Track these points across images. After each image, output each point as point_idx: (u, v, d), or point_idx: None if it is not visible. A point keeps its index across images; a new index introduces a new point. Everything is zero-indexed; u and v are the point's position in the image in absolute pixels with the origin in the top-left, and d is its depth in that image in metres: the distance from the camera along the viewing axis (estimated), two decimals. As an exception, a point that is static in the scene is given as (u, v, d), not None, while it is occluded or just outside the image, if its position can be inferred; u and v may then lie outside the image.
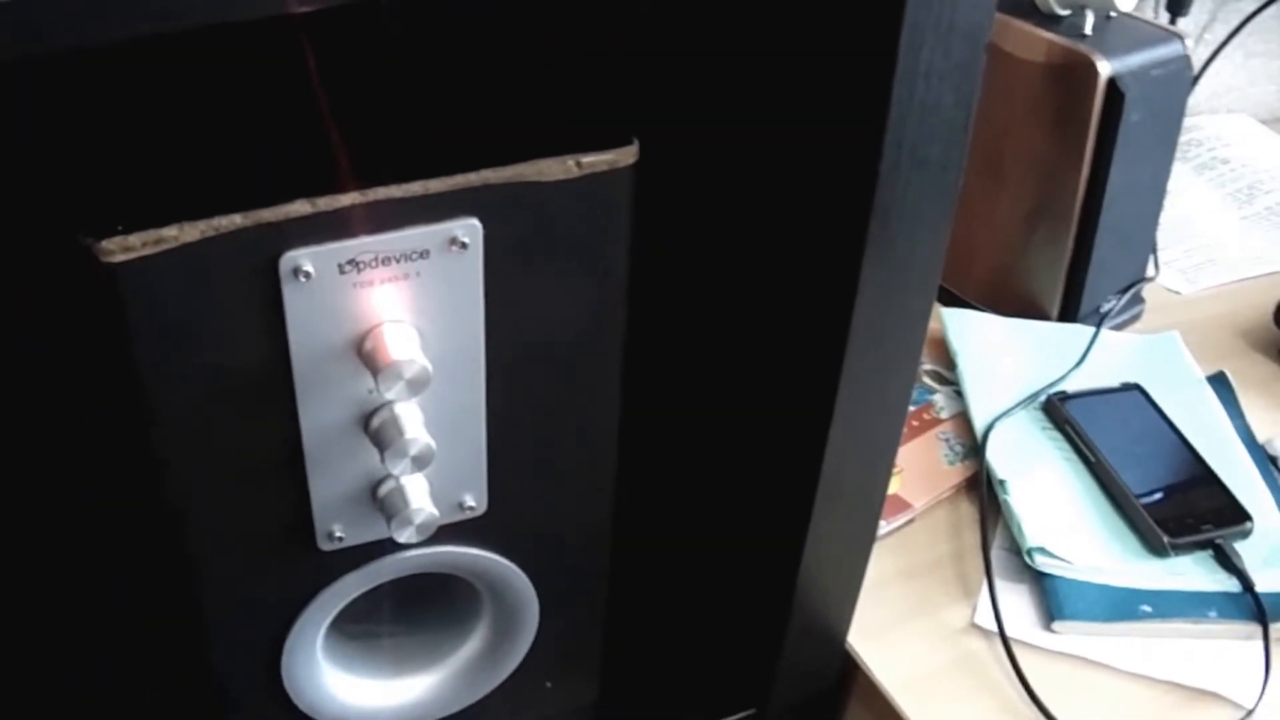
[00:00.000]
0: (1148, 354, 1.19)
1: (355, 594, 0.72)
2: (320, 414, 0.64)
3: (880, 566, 0.99)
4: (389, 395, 0.62)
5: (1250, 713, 0.89)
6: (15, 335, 0.70)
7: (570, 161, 0.63)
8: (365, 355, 0.62)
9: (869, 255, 0.68)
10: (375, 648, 0.79)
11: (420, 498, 0.66)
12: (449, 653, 0.80)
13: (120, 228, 0.57)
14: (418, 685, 0.80)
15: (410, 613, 0.79)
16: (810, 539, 0.79)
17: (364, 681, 0.78)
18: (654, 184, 0.66)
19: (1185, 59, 1.14)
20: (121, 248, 0.57)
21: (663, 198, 0.69)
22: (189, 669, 0.75)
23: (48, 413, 0.75)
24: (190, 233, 0.58)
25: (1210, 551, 0.99)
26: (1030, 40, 1.13)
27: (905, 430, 1.09)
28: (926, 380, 1.15)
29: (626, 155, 0.64)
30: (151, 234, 0.57)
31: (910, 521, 1.03)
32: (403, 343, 0.62)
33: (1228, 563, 0.98)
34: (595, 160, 0.63)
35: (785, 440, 0.78)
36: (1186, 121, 1.58)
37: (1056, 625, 0.94)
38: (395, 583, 0.74)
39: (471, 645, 0.80)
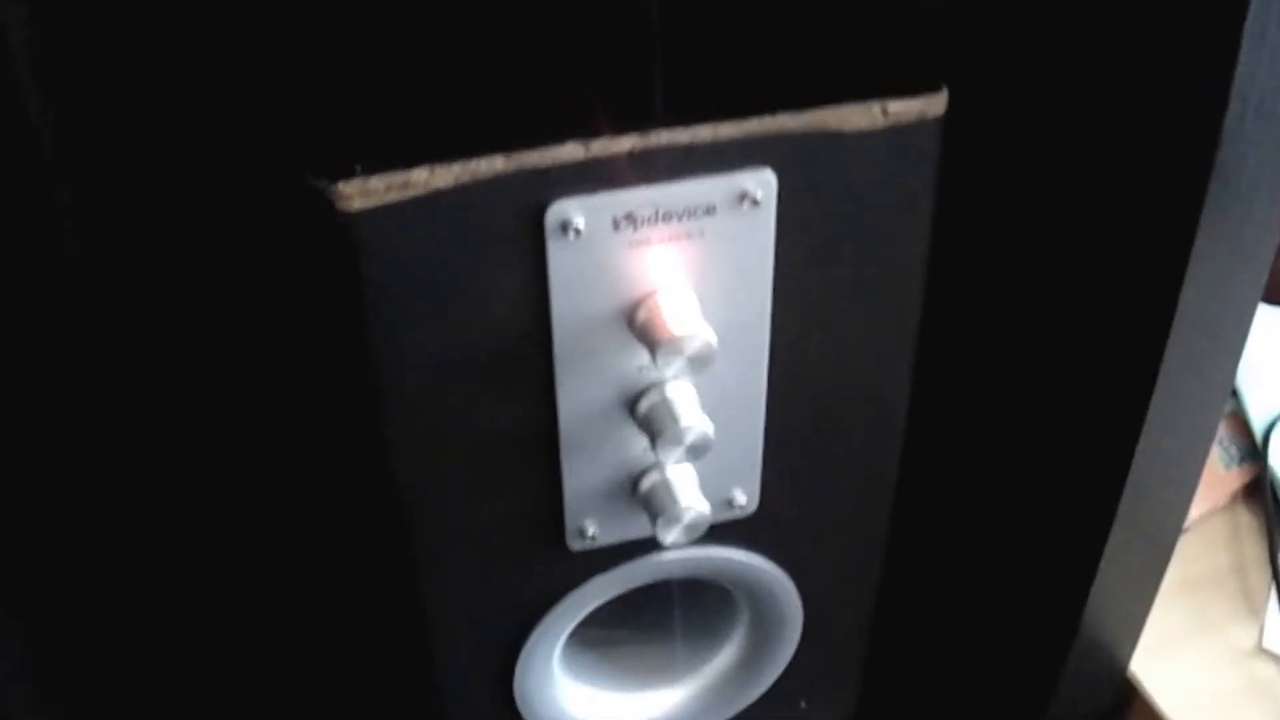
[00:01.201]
0: None
1: (601, 600, 0.64)
2: (581, 393, 0.56)
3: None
4: (667, 373, 0.53)
5: None
6: (234, 293, 0.63)
7: (876, 108, 0.53)
8: (639, 327, 0.53)
9: (1204, 225, 0.58)
10: (616, 657, 0.71)
11: (690, 493, 0.58)
12: (698, 666, 0.73)
13: (360, 169, 0.48)
14: (661, 701, 0.73)
15: (658, 619, 0.72)
16: (1105, 557, 0.70)
17: (602, 694, 0.72)
18: (960, 138, 0.57)
19: None
20: (361, 192, 0.49)
21: (969, 155, 0.59)
22: (412, 677, 0.67)
23: (265, 386, 0.67)
24: (443, 177, 0.49)
25: None
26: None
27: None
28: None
29: (936, 104, 0.54)
30: (398, 177, 0.49)
31: (1187, 530, 0.92)
32: (685, 313, 0.53)
33: None
34: (902, 108, 0.54)
35: (1087, 441, 0.68)
36: None
37: (1355, 650, 0.84)
38: (645, 586, 0.65)
39: (723, 658, 0.73)
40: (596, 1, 0.57)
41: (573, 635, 0.67)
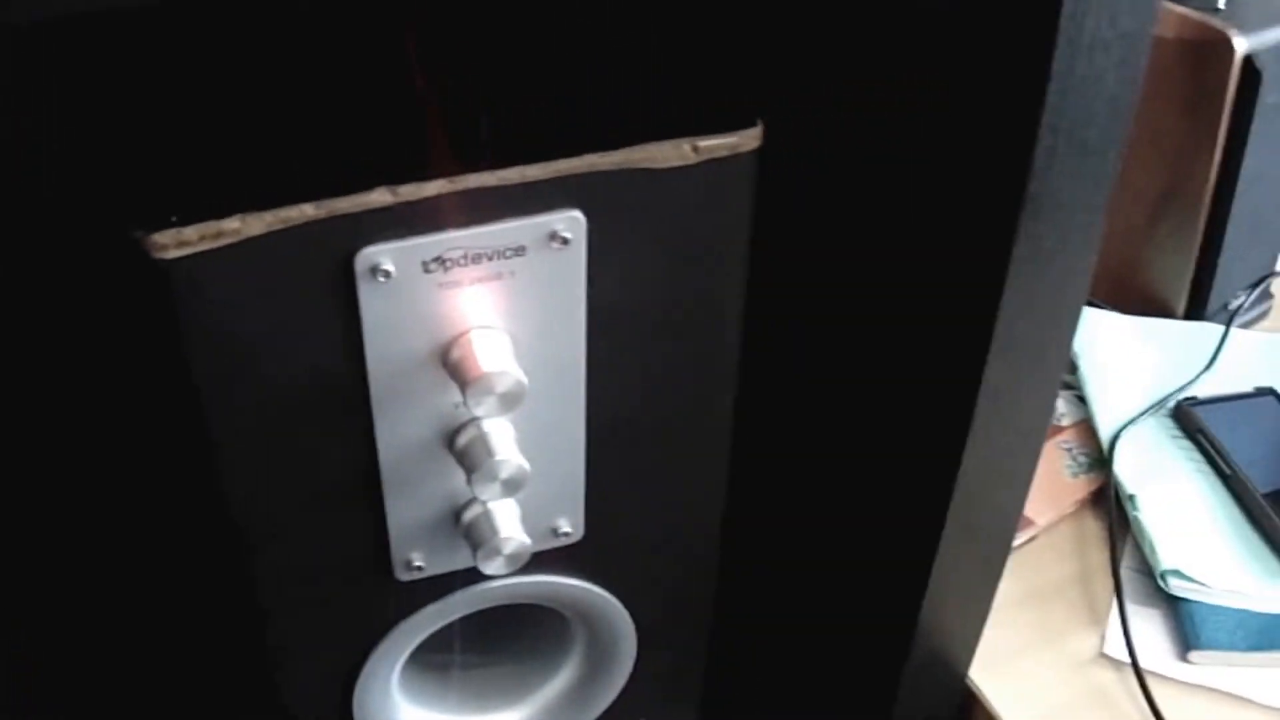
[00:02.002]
0: (1280, 353, 1.11)
1: (435, 627, 0.65)
2: (399, 431, 0.57)
3: (1000, 588, 0.90)
4: (478, 412, 0.54)
5: None
6: (67, 343, 0.63)
7: (686, 145, 0.55)
8: (451, 366, 0.55)
9: (1017, 253, 0.60)
10: (455, 681, 0.72)
11: (510, 524, 0.59)
12: (536, 688, 0.75)
13: (175, 219, 0.49)
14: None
15: (495, 643, 0.73)
16: (937, 564, 0.72)
17: (443, 718, 0.72)
18: (777, 171, 0.58)
19: (1328, 34, 1.05)
20: (176, 242, 0.50)
21: (786, 187, 0.61)
22: (257, 703, 0.68)
23: (101, 431, 0.68)
24: (254, 225, 0.50)
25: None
26: (1160, 14, 1.04)
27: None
28: (1044, 383, 1.07)
29: (750, 139, 0.56)
30: (210, 226, 0.50)
31: (1032, 539, 0.95)
32: (495, 352, 0.54)
33: (1380, 583, 0.89)
34: (715, 144, 0.56)
35: (915, 456, 0.70)
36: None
37: (1193, 655, 0.87)
38: (480, 611, 0.66)
39: (561, 680, 0.75)
40: (415, 58, 0.58)
41: (414, 659, 0.68)
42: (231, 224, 0.50)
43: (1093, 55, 0.55)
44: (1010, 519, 0.73)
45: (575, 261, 0.55)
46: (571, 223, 0.54)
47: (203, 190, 0.51)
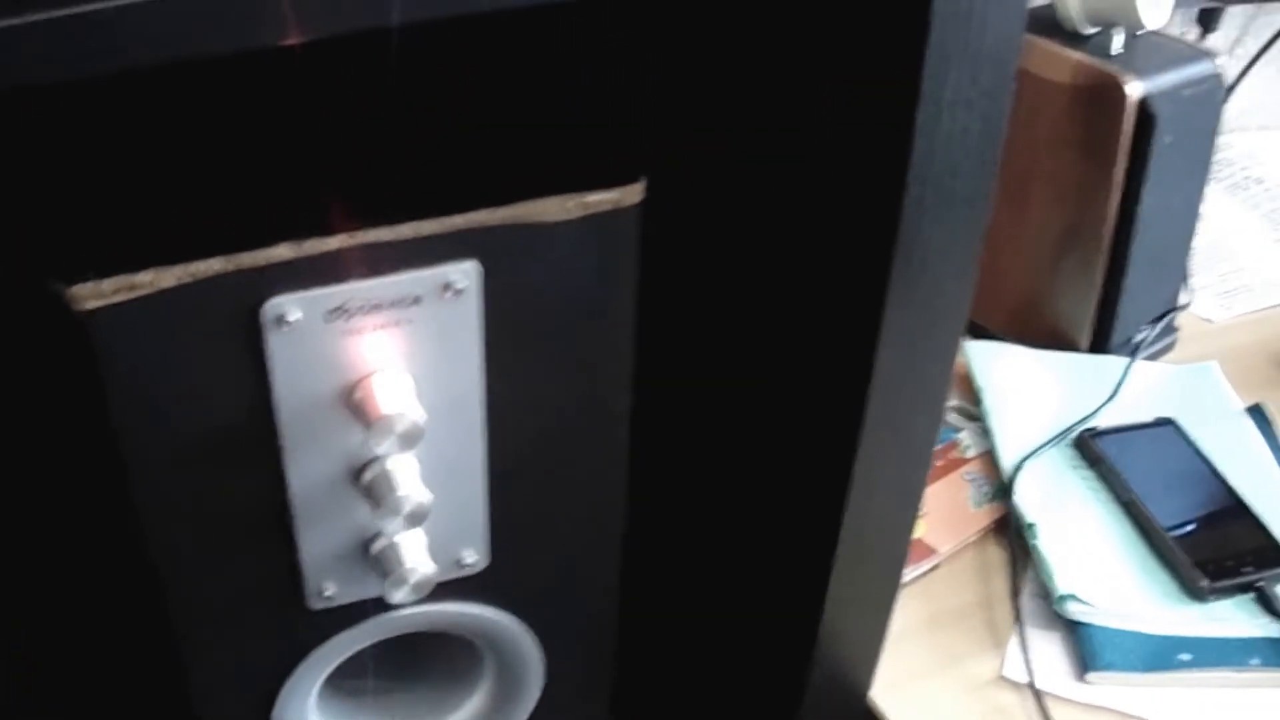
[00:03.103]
0: (1184, 385, 1.15)
1: (348, 654, 0.69)
2: (309, 468, 0.60)
3: (904, 615, 0.94)
4: (380, 450, 0.58)
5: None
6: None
7: (572, 201, 0.59)
8: (355, 406, 0.58)
9: (892, 297, 0.64)
10: (371, 706, 0.75)
11: (415, 555, 0.63)
12: (449, 711, 0.77)
13: (92, 274, 0.53)
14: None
15: (409, 669, 0.76)
16: (832, 591, 0.76)
17: None
18: (663, 225, 0.62)
19: (1217, 77, 1.10)
20: (94, 294, 0.53)
21: (672, 240, 0.65)
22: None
23: (22, 470, 0.71)
24: (166, 279, 0.54)
25: (1252, 595, 0.94)
26: (1056, 60, 1.09)
27: (929, 470, 1.05)
28: (952, 417, 1.11)
29: (632, 194, 0.60)
30: (124, 280, 0.54)
31: (935, 568, 0.99)
32: (395, 394, 0.58)
33: (1271, 606, 0.93)
34: (599, 199, 0.60)
35: (806, 488, 0.74)
36: (1218, 139, 1.54)
37: (1090, 676, 0.90)
38: (393, 638, 0.70)
39: (473, 704, 0.77)
40: (315, 120, 0.62)
41: (331, 685, 0.72)
42: (145, 277, 0.54)
43: (955, 111, 0.60)
44: (900, 541, 0.77)
45: (469, 309, 0.59)
46: (465, 273, 0.58)
47: (115, 245, 0.55)
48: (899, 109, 0.59)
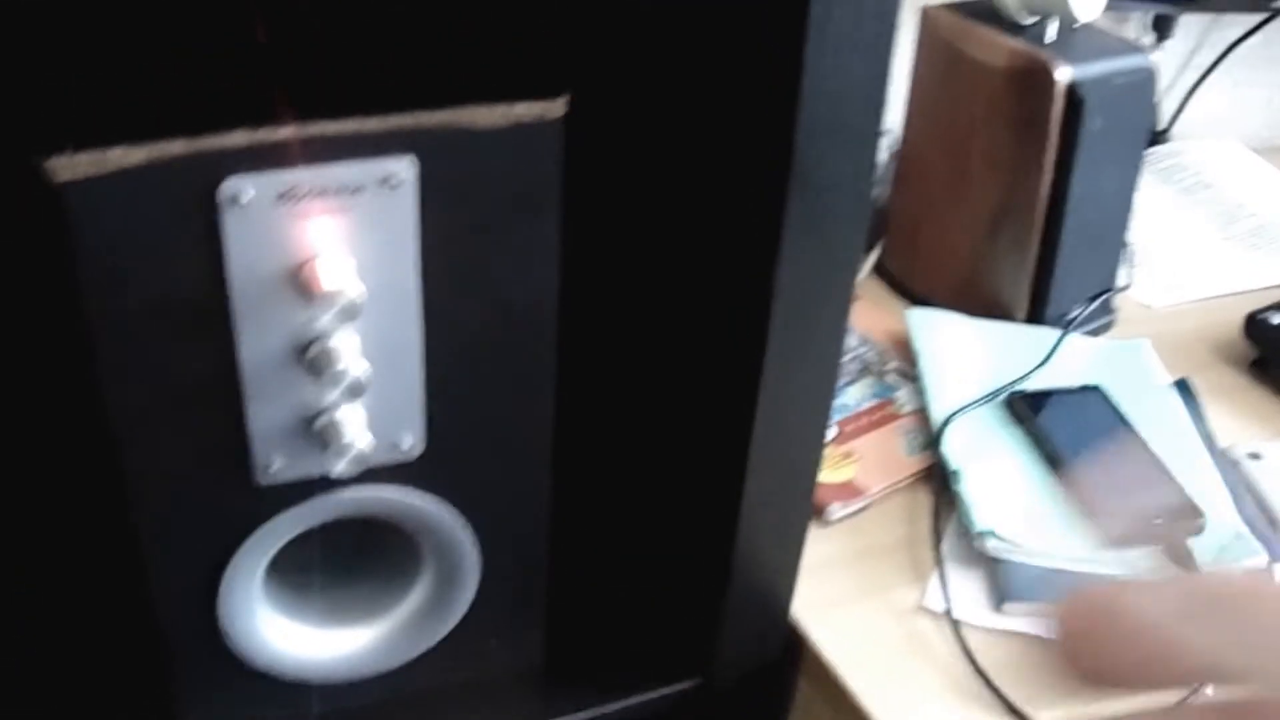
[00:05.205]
0: (1114, 358, 1.21)
1: (292, 533, 0.74)
2: (259, 343, 0.66)
3: (832, 549, 1.01)
4: (323, 323, 0.64)
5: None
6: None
7: (501, 110, 0.65)
8: (301, 285, 0.64)
9: (789, 219, 0.70)
10: (315, 598, 0.80)
11: (355, 431, 0.68)
12: (388, 606, 0.82)
13: (70, 148, 0.59)
14: (357, 638, 0.82)
15: (351, 565, 0.81)
16: (745, 504, 0.81)
17: (302, 630, 0.80)
18: (589, 139, 0.69)
19: (1149, 71, 1.17)
20: (68, 167, 0.60)
21: (596, 154, 0.71)
22: (127, 607, 0.76)
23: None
24: (134, 156, 0.60)
25: (1162, 546, 1.00)
26: (992, 46, 1.16)
27: (864, 423, 1.11)
28: (890, 378, 1.17)
29: (555, 108, 0.67)
30: (97, 155, 0.60)
31: (866, 508, 1.05)
32: (337, 272, 0.64)
33: (1178, 557, 0.99)
34: (524, 110, 0.66)
35: (719, 400, 0.80)
36: (1172, 146, 1.61)
37: (1006, 607, 0.95)
38: (336, 532, 0.76)
39: (412, 599, 0.82)
40: (280, 16, 0.68)
41: (276, 575, 0.77)
42: (115, 154, 0.60)
43: (840, 54, 0.66)
44: (810, 454, 0.82)
45: (406, 201, 0.65)
46: (403, 167, 0.64)
47: (88, 126, 0.61)
48: (790, 47, 0.66)
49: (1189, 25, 1.61)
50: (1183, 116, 1.68)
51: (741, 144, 0.72)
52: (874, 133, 0.69)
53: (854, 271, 0.75)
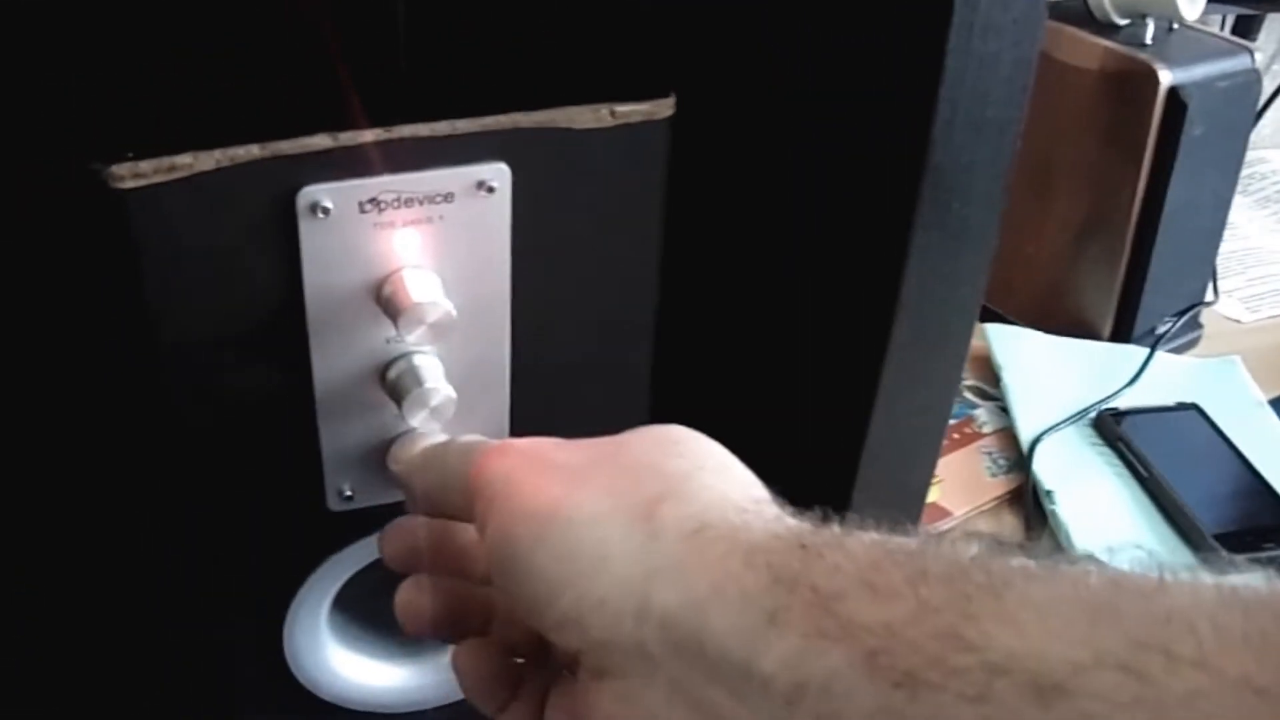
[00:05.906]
0: (1205, 376, 1.16)
1: (364, 562, 0.69)
2: (335, 361, 0.61)
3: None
4: (409, 339, 0.59)
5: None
6: (25, 270, 0.68)
7: (604, 110, 0.60)
8: (384, 300, 0.59)
9: (920, 219, 0.65)
10: (385, 627, 0.75)
11: (435, 447, 0.63)
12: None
13: (131, 154, 0.54)
14: (424, 668, 0.77)
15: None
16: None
17: (370, 661, 0.76)
18: (695, 141, 0.64)
19: (1254, 72, 1.11)
20: (132, 174, 0.54)
21: (704, 156, 0.66)
22: (192, 639, 0.72)
23: (50, 359, 0.72)
24: (205, 161, 0.55)
25: (1273, 571, 0.94)
26: (1085, 47, 1.10)
27: (945, 443, 1.06)
28: (968, 395, 1.12)
29: (663, 107, 0.62)
30: (164, 161, 0.55)
31: (950, 530, 0.99)
32: (425, 287, 0.59)
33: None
34: (629, 110, 0.61)
35: (824, 417, 0.75)
36: (1250, 155, 1.55)
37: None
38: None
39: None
40: (359, 16, 0.63)
41: (347, 604, 0.72)
42: (184, 159, 0.55)
43: (986, 37, 0.61)
44: (921, 477, 0.77)
45: (500, 209, 0.60)
46: (497, 173, 0.59)
47: (156, 131, 0.56)
48: (932, 31, 0.60)
49: (1272, 28, 1.55)
50: (1260, 124, 1.62)
51: (869, 137, 0.66)
52: (1013, 128, 0.64)
53: (981, 285, 0.70)
